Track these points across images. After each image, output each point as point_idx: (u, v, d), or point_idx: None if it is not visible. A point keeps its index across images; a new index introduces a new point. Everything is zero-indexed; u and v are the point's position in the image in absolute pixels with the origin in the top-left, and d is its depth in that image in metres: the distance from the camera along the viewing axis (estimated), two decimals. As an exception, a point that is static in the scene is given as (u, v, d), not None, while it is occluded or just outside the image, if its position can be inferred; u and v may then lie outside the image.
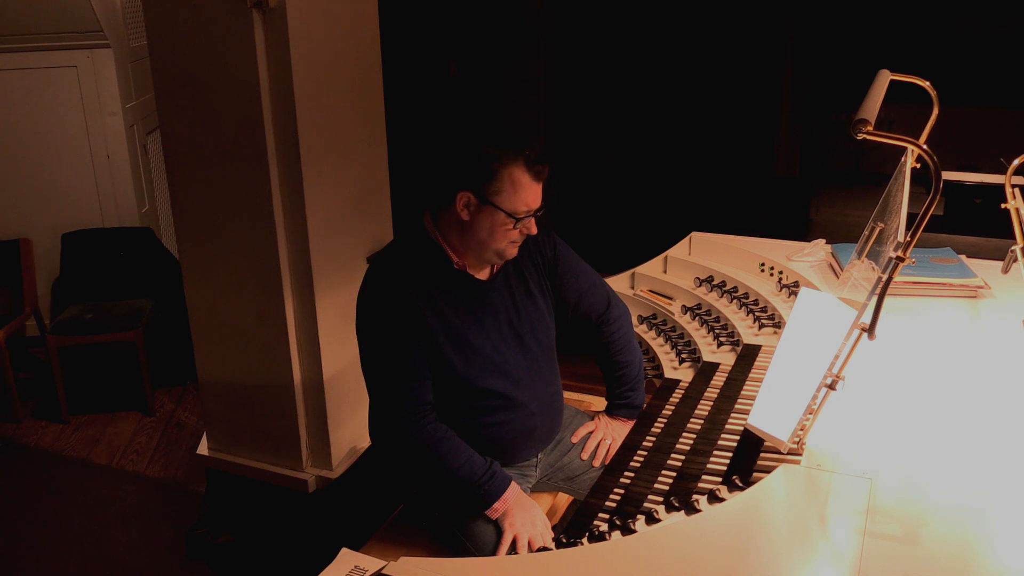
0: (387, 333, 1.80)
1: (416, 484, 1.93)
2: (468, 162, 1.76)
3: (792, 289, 2.38)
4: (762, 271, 2.54)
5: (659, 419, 1.95)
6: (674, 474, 1.68)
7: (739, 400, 1.94)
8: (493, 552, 1.76)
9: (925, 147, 1.41)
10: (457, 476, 1.77)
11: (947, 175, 3.47)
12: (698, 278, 2.60)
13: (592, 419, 2.15)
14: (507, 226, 1.77)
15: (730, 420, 1.86)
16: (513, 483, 1.82)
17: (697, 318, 2.44)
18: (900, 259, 1.41)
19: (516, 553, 1.73)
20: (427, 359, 1.80)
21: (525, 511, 1.79)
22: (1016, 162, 1.95)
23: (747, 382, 2.02)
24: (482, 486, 1.77)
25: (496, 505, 1.77)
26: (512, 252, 1.84)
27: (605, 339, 2.10)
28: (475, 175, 1.75)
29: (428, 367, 1.81)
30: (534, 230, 1.82)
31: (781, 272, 2.49)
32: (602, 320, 2.08)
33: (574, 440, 2.10)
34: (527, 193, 1.76)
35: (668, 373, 2.28)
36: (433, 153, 1.89)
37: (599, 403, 2.43)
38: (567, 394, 2.18)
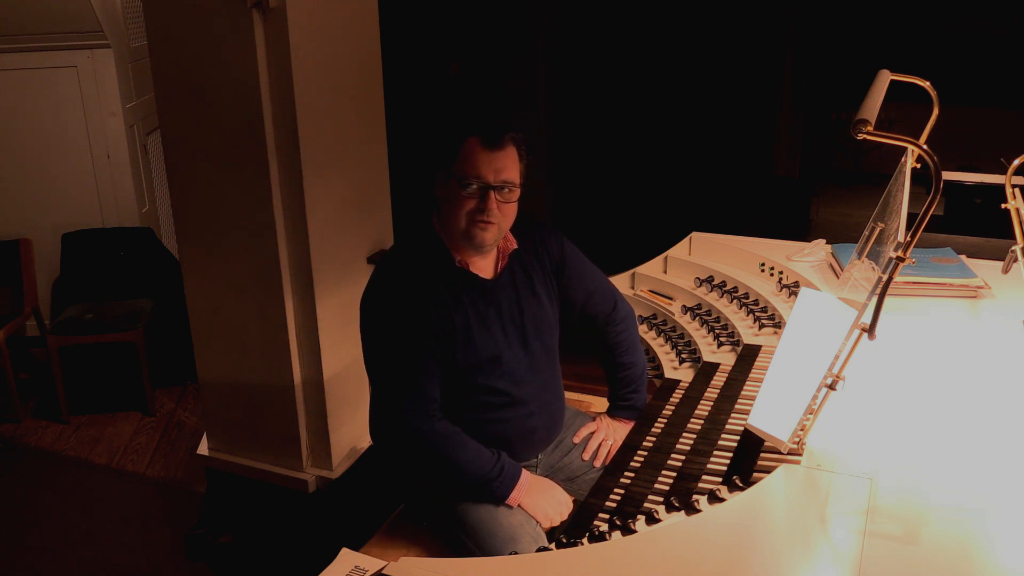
0: (396, 327, 1.80)
1: (424, 478, 1.94)
2: (440, 143, 1.85)
3: (792, 289, 2.38)
4: (762, 271, 2.54)
5: (659, 419, 1.95)
6: (674, 474, 1.68)
7: (739, 400, 1.94)
8: (495, 551, 1.76)
9: (925, 147, 1.40)
10: (467, 472, 1.80)
11: (947, 175, 3.46)
12: (698, 278, 2.60)
13: (593, 420, 2.16)
14: (458, 196, 1.79)
15: (730, 420, 1.86)
16: (524, 471, 1.86)
17: (697, 318, 2.44)
18: (900, 259, 1.41)
19: (544, 529, 1.83)
20: (434, 355, 1.81)
21: (540, 494, 1.86)
22: (1016, 162, 1.95)
23: (747, 382, 2.02)
24: (493, 480, 1.80)
25: (511, 496, 1.82)
26: (479, 235, 1.80)
27: (611, 340, 2.11)
28: (444, 153, 1.83)
29: (437, 364, 1.81)
30: (492, 206, 1.78)
31: (781, 272, 2.49)
32: (608, 320, 2.09)
33: (575, 440, 2.10)
34: (476, 159, 1.78)
35: (668, 373, 2.28)
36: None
37: (600, 404, 2.43)
38: (568, 394, 2.18)
